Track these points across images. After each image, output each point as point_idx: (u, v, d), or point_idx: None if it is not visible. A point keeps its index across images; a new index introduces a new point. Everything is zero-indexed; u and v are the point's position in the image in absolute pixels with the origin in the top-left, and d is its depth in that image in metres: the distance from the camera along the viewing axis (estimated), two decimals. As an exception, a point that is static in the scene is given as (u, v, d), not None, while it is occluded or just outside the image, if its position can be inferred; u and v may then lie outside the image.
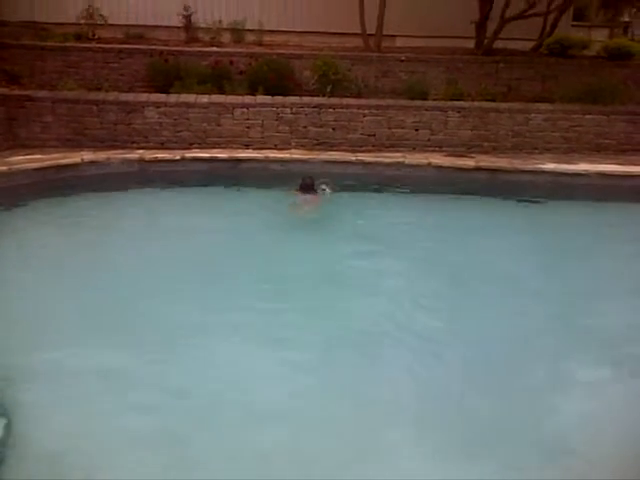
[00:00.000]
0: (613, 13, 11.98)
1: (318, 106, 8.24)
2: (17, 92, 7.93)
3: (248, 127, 8.15)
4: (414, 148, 8.40)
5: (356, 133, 8.34)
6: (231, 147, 8.06)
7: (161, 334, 4.12)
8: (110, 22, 9.82)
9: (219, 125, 8.10)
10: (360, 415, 3.48)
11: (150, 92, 8.32)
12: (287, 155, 7.86)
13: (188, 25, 9.99)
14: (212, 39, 9.87)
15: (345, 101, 8.38)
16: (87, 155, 7.36)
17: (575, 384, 3.92)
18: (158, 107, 7.98)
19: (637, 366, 4.07)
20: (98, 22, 9.67)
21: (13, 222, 5.97)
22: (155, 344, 4.01)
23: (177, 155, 7.55)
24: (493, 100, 8.73)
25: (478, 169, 7.66)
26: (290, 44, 10.37)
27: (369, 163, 7.76)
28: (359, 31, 9.75)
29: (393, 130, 8.38)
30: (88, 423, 3.29)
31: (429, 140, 8.45)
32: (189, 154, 7.63)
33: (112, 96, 8.07)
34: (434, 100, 8.66)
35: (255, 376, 3.74)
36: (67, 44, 8.98)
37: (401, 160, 7.81)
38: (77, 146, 7.80)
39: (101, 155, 7.40)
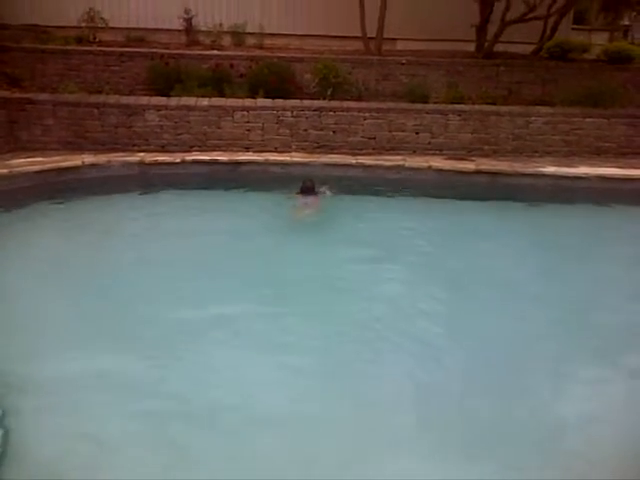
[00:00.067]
0: (613, 16, 11.97)
1: (319, 109, 8.24)
2: (18, 95, 7.93)
3: (248, 130, 8.16)
4: (414, 151, 8.41)
5: (357, 136, 8.35)
6: (231, 150, 8.06)
7: (161, 338, 4.12)
8: (111, 25, 9.85)
9: (219, 128, 8.11)
10: (360, 419, 3.48)
11: (151, 95, 8.33)
12: (287, 158, 7.87)
13: (189, 28, 10.01)
14: (213, 42, 9.89)
15: (346, 104, 8.39)
16: (88, 158, 7.36)
17: (576, 385, 3.92)
18: (159, 110, 8.00)
19: (637, 367, 4.08)
20: (99, 25, 9.69)
21: (14, 225, 5.97)
22: (155, 348, 4.01)
23: (177, 158, 7.56)
24: (493, 103, 8.74)
25: (478, 172, 7.66)
26: (291, 47, 10.39)
27: (369, 166, 7.77)
28: (360, 34, 9.76)
29: (393, 133, 8.39)
30: (87, 430, 3.27)
31: (429, 143, 8.45)
32: (189, 157, 7.64)
33: (113, 99, 8.08)
34: (435, 103, 8.67)
35: (254, 380, 3.74)
36: (68, 47, 8.98)
37: (401, 163, 7.81)
38: (78, 149, 7.81)
39: (102, 158, 7.40)
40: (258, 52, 9.53)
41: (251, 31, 10.17)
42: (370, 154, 8.21)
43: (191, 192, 7.11)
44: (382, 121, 8.34)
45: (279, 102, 8.25)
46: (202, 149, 8.04)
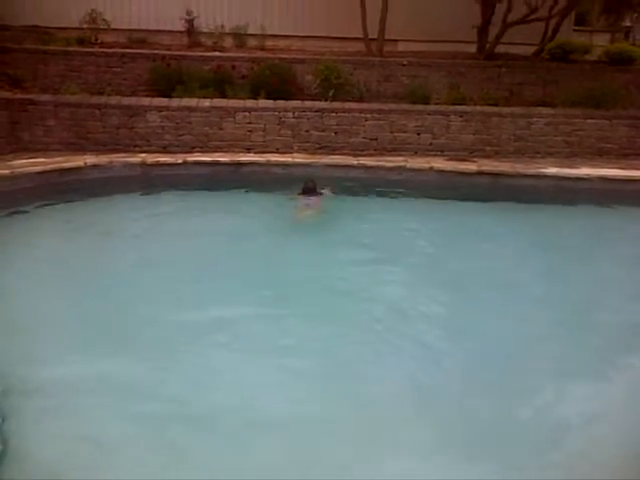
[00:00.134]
0: (615, 18, 11.93)
1: (320, 110, 8.25)
2: (20, 96, 7.94)
3: (250, 131, 8.16)
4: (416, 152, 8.40)
5: (358, 137, 8.35)
6: (233, 151, 8.07)
7: (162, 340, 4.11)
8: (113, 27, 9.85)
9: (221, 129, 8.11)
10: (361, 420, 3.47)
11: (152, 96, 8.35)
12: (289, 159, 7.87)
13: (190, 30, 10.02)
14: (214, 44, 9.90)
15: (347, 105, 8.40)
16: (90, 159, 7.37)
17: (577, 386, 3.91)
18: (160, 111, 8.00)
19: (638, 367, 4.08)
20: (101, 26, 9.70)
21: (15, 226, 5.98)
22: (156, 350, 4.00)
23: (179, 159, 7.56)
24: (495, 104, 8.74)
25: (480, 173, 7.66)
26: (292, 48, 10.39)
27: (371, 167, 7.77)
28: (361, 35, 9.77)
29: (395, 134, 8.39)
30: (86, 433, 3.26)
31: (431, 144, 8.45)
32: (191, 158, 7.64)
33: (114, 100, 8.09)
34: (436, 104, 8.68)
35: (254, 382, 3.73)
36: (70, 48, 8.98)
37: (403, 164, 7.81)
38: (80, 150, 7.81)
39: (104, 159, 7.41)
40: (260, 53, 9.54)
41: (253, 32, 10.16)
42: (372, 155, 8.21)
43: (193, 193, 7.12)
44: (384, 122, 8.34)
45: (281, 103, 8.25)
46: (203, 150, 8.04)
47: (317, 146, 8.28)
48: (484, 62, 9.79)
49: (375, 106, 8.48)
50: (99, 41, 9.65)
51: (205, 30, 10.09)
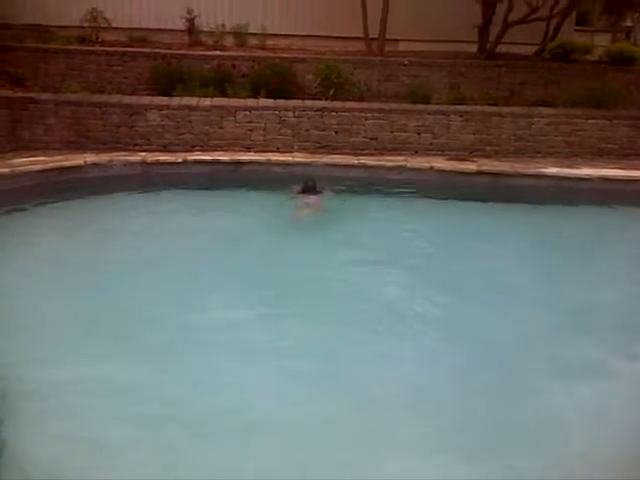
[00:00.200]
0: (616, 18, 11.93)
1: (321, 109, 8.24)
2: (20, 94, 7.94)
3: (250, 130, 8.16)
4: (416, 152, 8.40)
5: (358, 136, 8.34)
6: (233, 150, 8.06)
7: (160, 340, 4.10)
8: (114, 25, 9.84)
9: (221, 128, 8.11)
10: (361, 422, 3.47)
11: (153, 95, 8.34)
12: (289, 158, 7.87)
13: (191, 29, 10.01)
14: (215, 43, 9.89)
15: (347, 105, 8.39)
16: (90, 157, 7.37)
17: (577, 386, 3.91)
18: (161, 110, 8.00)
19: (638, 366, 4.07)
20: (102, 25, 9.69)
21: (15, 224, 5.98)
22: (154, 351, 3.99)
23: (179, 158, 7.56)
24: (495, 104, 8.74)
25: (480, 173, 7.66)
26: (293, 48, 10.38)
27: (371, 166, 7.77)
28: (362, 35, 9.76)
29: (395, 134, 8.38)
30: (84, 434, 3.25)
31: (431, 144, 8.45)
32: (191, 157, 7.64)
33: (115, 99, 8.09)
34: (436, 104, 8.67)
35: (253, 383, 3.73)
36: (70, 47, 8.98)
37: (403, 164, 7.81)
38: (80, 148, 7.81)
39: (104, 157, 7.41)
40: (260, 53, 9.53)
41: (253, 32, 10.16)
42: (372, 154, 8.21)
43: (193, 192, 7.12)
44: (384, 122, 8.34)
45: (281, 102, 8.25)
46: (204, 149, 8.04)
47: (317, 145, 8.28)
48: (485, 62, 9.78)
49: (375, 105, 8.48)
50: (100, 40, 9.65)
51: (206, 29, 10.08)
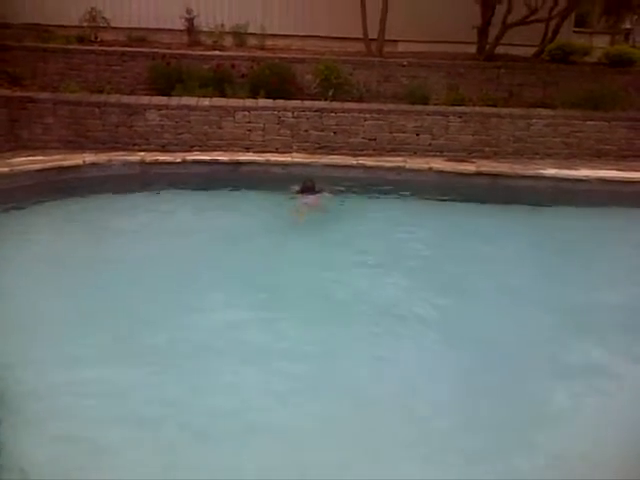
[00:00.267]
0: (615, 20, 11.94)
1: (320, 110, 8.25)
2: (19, 94, 7.93)
3: (249, 130, 8.16)
4: (415, 153, 8.41)
5: (357, 137, 8.35)
6: (232, 150, 8.07)
7: (160, 340, 4.09)
8: (113, 25, 9.84)
9: (220, 128, 8.11)
10: (361, 424, 3.47)
11: (152, 95, 8.34)
12: (288, 158, 7.87)
13: (190, 28, 10.01)
14: (214, 43, 9.89)
15: (347, 105, 8.40)
16: (89, 157, 7.37)
17: (577, 386, 3.92)
18: (160, 110, 8.00)
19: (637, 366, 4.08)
20: (101, 25, 9.69)
21: (13, 223, 5.97)
22: (154, 351, 3.98)
23: (178, 158, 7.56)
24: (494, 105, 8.75)
25: (479, 174, 7.67)
26: (292, 48, 10.38)
27: (370, 167, 7.78)
28: (361, 36, 9.77)
29: (394, 134, 8.39)
30: (81, 436, 3.24)
31: (430, 145, 8.46)
32: (190, 157, 7.64)
33: (114, 98, 8.08)
34: (435, 105, 8.68)
35: (251, 384, 3.72)
36: (69, 46, 8.98)
37: (402, 164, 7.82)
38: (79, 148, 7.81)
39: (102, 157, 7.41)
40: (259, 53, 9.53)
41: (253, 32, 10.16)
42: (371, 155, 8.21)
43: (191, 192, 7.11)
44: (383, 122, 8.34)
45: (280, 103, 8.25)
46: (203, 149, 8.04)
47: (316, 146, 8.29)
48: (484, 63, 9.79)
49: (374, 106, 8.48)
50: (99, 39, 9.65)
51: (205, 29, 10.08)
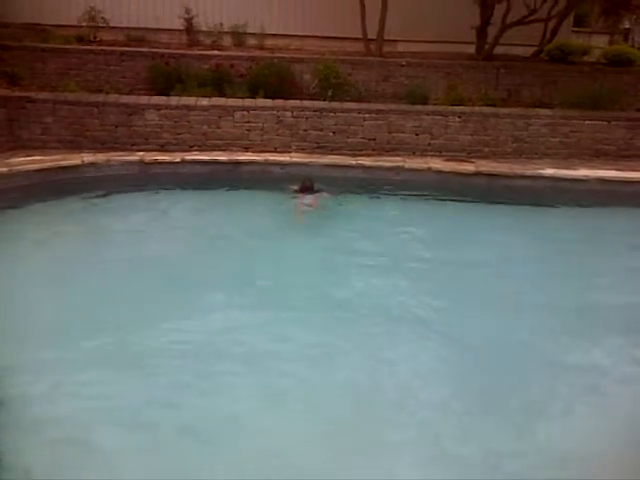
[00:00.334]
0: (614, 20, 11.97)
1: (319, 110, 8.25)
2: (18, 93, 7.92)
3: (248, 130, 8.16)
4: (414, 153, 8.41)
5: (356, 137, 8.35)
6: (231, 150, 8.07)
7: (159, 341, 4.09)
8: (111, 25, 9.82)
9: (219, 128, 8.11)
10: (360, 424, 3.47)
11: (151, 95, 8.33)
12: (287, 158, 7.87)
13: (189, 28, 10.00)
14: (213, 42, 9.88)
15: (346, 105, 8.40)
16: (87, 157, 7.37)
17: (576, 386, 3.92)
18: (159, 109, 8.00)
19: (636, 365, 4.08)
20: (100, 24, 9.67)
21: (12, 223, 5.96)
22: (152, 352, 3.98)
23: (177, 157, 7.56)
24: (493, 105, 8.75)
25: (478, 174, 7.67)
26: (291, 48, 10.37)
27: (369, 167, 7.78)
28: (360, 35, 9.77)
29: (393, 134, 8.39)
30: (78, 437, 3.25)
31: (429, 145, 8.46)
32: (189, 156, 7.64)
33: (113, 98, 8.08)
34: (434, 105, 8.68)
35: (250, 386, 3.72)
36: (68, 46, 8.97)
37: (401, 164, 7.82)
38: (77, 148, 7.81)
39: (101, 157, 7.41)
40: (258, 52, 9.52)
41: (252, 31, 10.15)
42: (370, 155, 8.21)
43: (191, 192, 7.12)
44: (382, 122, 8.34)
45: (279, 102, 8.25)
46: (202, 149, 8.04)
47: (315, 146, 8.28)
48: (483, 63, 9.79)
49: (373, 106, 8.49)
50: (98, 39, 9.63)
51: (204, 29, 10.07)
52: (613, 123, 8.72)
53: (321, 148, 8.28)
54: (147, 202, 6.80)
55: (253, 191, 7.17)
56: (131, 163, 7.43)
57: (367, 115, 8.32)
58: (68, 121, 7.87)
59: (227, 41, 10.09)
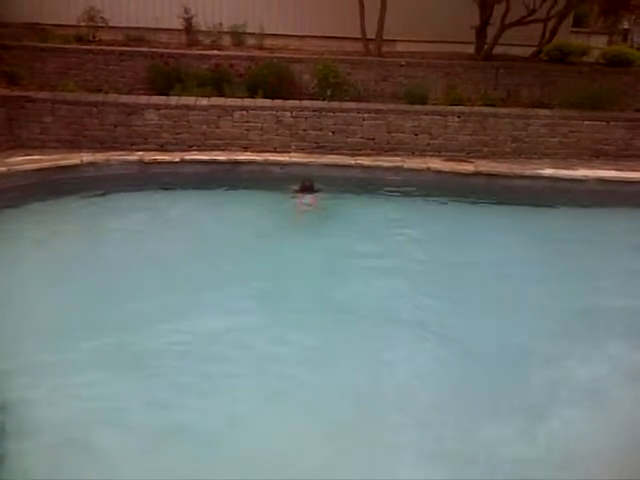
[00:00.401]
0: (613, 20, 11.98)
1: (318, 110, 8.25)
2: (17, 93, 7.91)
3: (247, 130, 8.16)
4: (413, 152, 8.41)
5: (355, 137, 8.35)
6: (230, 149, 8.06)
7: (158, 342, 4.08)
8: (111, 24, 9.82)
9: (218, 127, 8.11)
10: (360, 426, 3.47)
11: (150, 94, 8.33)
12: (286, 158, 7.87)
13: (189, 28, 9.99)
14: (213, 42, 9.88)
15: (345, 105, 8.40)
16: (87, 156, 7.37)
17: (573, 386, 3.92)
18: (158, 109, 7.99)
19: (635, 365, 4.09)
20: (99, 24, 9.66)
21: (11, 223, 5.96)
22: (152, 353, 3.98)
23: (176, 157, 7.56)
24: (493, 105, 8.76)
25: (477, 174, 7.67)
26: (290, 48, 10.37)
27: (368, 167, 7.78)
28: (359, 35, 9.77)
29: (392, 134, 8.39)
30: (76, 439, 3.25)
31: (428, 145, 8.46)
32: (188, 156, 7.64)
33: (112, 98, 8.07)
34: (434, 105, 8.68)
35: (247, 387, 3.72)
36: (68, 46, 8.96)
37: (400, 164, 7.82)
38: (77, 147, 7.80)
39: (100, 157, 7.40)
40: (258, 52, 9.52)
41: (251, 31, 10.16)
42: (369, 155, 8.21)
43: (190, 191, 7.12)
44: (381, 122, 8.35)
45: (278, 102, 8.25)
46: (201, 148, 8.04)
47: (314, 145, 8.28)
48: (482, 63, 9.79)
49: (373, 106, 8.49)
50: (97, 39, 9.63)
51: (203, 28, 10.07)
52: (612, 123, 8.73)
53: (320, 148, 8.28)
54: (146, 202, 6.80)
55: (252, 191, 7.17)
56: (130, 163, 7.42)
57: (366, 115, 8.32)
58: (67, 121, 7.86)
59: (226, 41, 10.09)
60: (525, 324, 4.61)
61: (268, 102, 8.23)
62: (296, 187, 6.86)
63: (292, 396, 3.66)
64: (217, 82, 8.50)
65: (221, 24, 10.12)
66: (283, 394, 3.67)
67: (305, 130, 8.24)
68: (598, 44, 13.33)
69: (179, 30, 10.03)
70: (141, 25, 10.31)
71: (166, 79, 8.49)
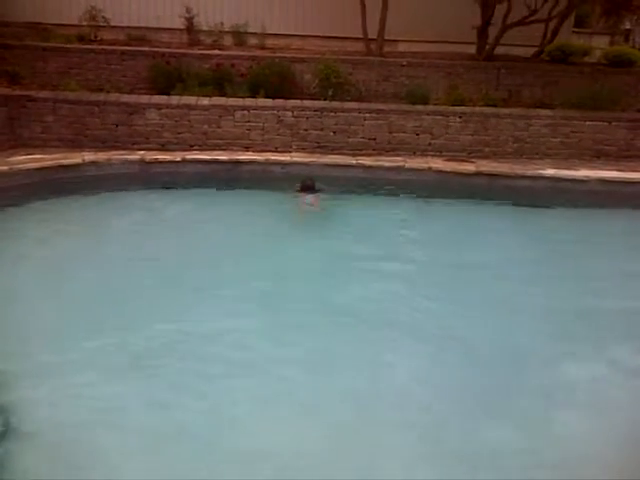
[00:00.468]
0: (614, 20, 11.98)
1: (319, 109, 8.25)
2: (19, 92, 7.92)
3: (249, 129, 8.16)
4: (414, 152, 8.41)
5: (357, 137, 8.35)
6: (231, 149, 8.07)
7: (158, 343, 4.08)
8: (112, 24, 9.82)
9: (220, 127, 8.11)
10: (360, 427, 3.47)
11: (152, 94, 8.33)
12: (288, 158, 7.87)
13: (190, 28, 10.01)
14: (214, 42, 9.89)
15: (346, 105, 8.40)
16: (88, 156, 7.37)
17: (572, 386, 3.92)
18: (159, 109, 8.00)
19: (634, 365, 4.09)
20: (100, 24, 9.67)
21: (13, 221, 5.96)
22: (151, 353, 3.97)
23: (178, 157, 7.56)
24: (494, 105, 8.75)
25: (478, 174, 7.67)
26: (292, 47, 10.37)
27: (369, 167, 7.78)
28: (361, 35, 9.77)
29: (394, 134, 8.39)
30: (74, 440, 3.24)
31: (430, 145, 8.46)
32: (190, 156, 7.64)
33: (113, 97, 8.08)
34: (435, 105, 8.68)
35: (246, 389, 3.72)
36: (69, 45, 8.98)
37: (401, 164, 7.82)
38: (78, 147, 7.81)
39: (102, 156, 7.41)
40: (259, 52, 9.52)
41: (252, 31, 10.16)
42: (370, 155, 8.21)
43: (191, 191, 7.12)
44: (382, 122, 8.34)
45: (280, 102, 8.25)
46: (202, 148, 8.04)
47: (316, 145, 8.29)
48: (483, 63, 9.79)
49: (374, 106, 8.48)
50: (98, 38, 9.64)
51: (205, 28, 10.08)
52: (614, 124, 8.72)
53: (322, 148, 8.28)
54: (147, 201, 6.80)
55: (254, 191, 7.18)
56: (132, 162, 7.43)
57: (368, 115, 8.32)
58: (69, 120, 7.87)
59: (228, 40, 10.09)
60: (525, 325, 4.60)
61: (269, 102, 8.23)
62: (297, 187, 6.86)
63: (292, 397, 3.65)
64: (218, 82, 8.50)
65: (222, 24, 10.13)
66: (283, 395, 3.66)
67: (306, 130, 8.24)
68: (600, 44, 13.31)
69: (180, 30, 10.04)
70: (143, 25, 10.33)
71: (167, 79, 8.49)
